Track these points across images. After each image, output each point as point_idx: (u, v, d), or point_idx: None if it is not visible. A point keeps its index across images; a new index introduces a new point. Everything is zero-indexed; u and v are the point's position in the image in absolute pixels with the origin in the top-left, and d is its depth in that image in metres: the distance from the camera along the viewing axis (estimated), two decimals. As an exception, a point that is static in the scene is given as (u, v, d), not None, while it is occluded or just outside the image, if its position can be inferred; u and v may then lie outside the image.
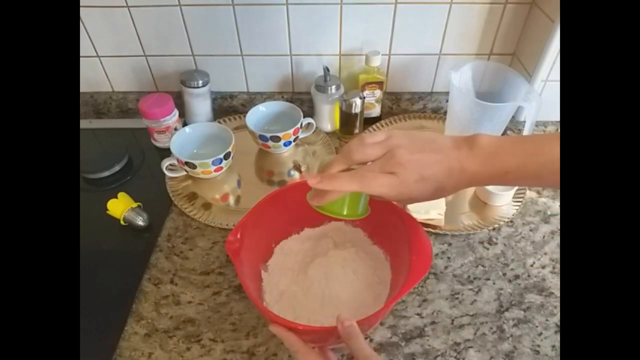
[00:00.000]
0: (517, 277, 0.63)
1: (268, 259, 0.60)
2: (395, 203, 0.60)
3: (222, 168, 0.76)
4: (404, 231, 0.54)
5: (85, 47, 0.85)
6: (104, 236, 0.69)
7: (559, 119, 0.85)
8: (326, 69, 0.81)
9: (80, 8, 0.79)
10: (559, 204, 0.74)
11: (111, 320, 0.58)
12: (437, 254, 0.66)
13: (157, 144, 0.85)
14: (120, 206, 0.69)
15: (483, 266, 0.65)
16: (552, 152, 0.39)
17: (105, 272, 0.64)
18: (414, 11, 0.79)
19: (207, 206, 0.74)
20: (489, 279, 0.63)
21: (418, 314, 0.59)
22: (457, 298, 0.61)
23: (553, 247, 0.67)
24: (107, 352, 0.54)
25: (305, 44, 0.85)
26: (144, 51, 0.87)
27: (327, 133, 0.88)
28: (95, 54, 0.87)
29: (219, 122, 0.88)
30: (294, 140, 0.82)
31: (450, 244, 0.68)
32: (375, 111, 0.89)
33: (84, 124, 0.92)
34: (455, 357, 0.54)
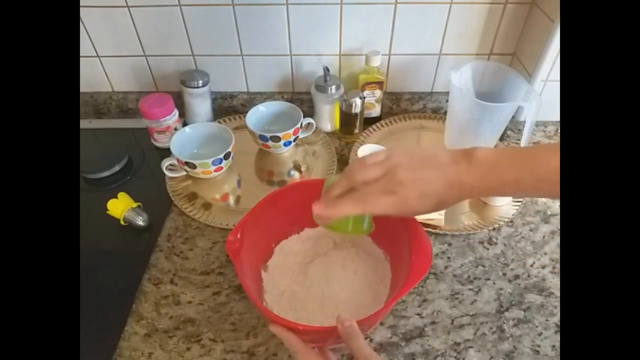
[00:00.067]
0: (517, 277, 0.63)
1: (268, 259, 0.60)
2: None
3: (222, 168, 0.76)
4: (404, 231, 0.54)
5: (85, 47, 0.85)
6: (104, 236, 0.69)
7: (559, 119, 0.85)
8: (326, 69, 0.81)
9: (80, 8, 0.79)
10: (559, 204, 0.74)
11: (111, 320, 0.58)
12: (437, 254, 0.66)
13: (157, 144, 0.85)
14: (120, 206, 0.69)
15: (483, 266, 0.65)
16: (550, 164, 0.40)
17: (105, 272, 0.64)
18: (414, 11, 0.79)
19: (207, 206, 0.74)
20: (489, 279, 0.63)
21: (418, 314, 0.59)
22: (457, 298, 0.61)
23: (553, 247, 0.67)
24: (107, 352, 0.54)
25: (305, 44, 0.85)
26: (144, 51, 0.87)
27: (327, 133, 0.88)
28: (95, 54, 0.87)
29: (219, 122, 0.88)
30: (294, 140, 0.82)
31: (450, 244, 0.68)
32: (375, 111, 0.89)
33: (84, 124, 0.92)
34: (455, 357, 0.54)
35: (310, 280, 0.57)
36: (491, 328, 0.57)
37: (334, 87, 0.83)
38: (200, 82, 0.84)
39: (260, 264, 0.59)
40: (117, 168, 0.80)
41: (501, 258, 0.66)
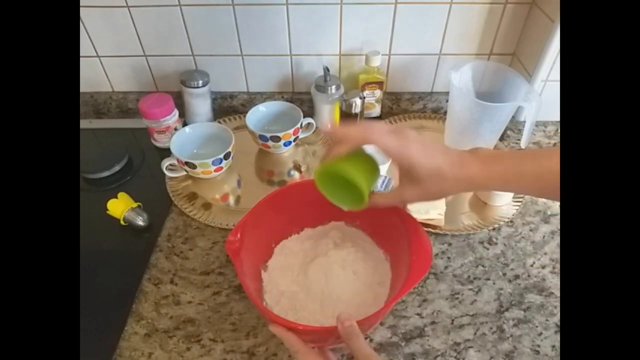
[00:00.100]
0: (517, 277, 0.63)
1: (268, 259, 0.60)
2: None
3: (222, 168, 0.76)
4: (404, 231, 0.54)
5: (85, 47, 0.85)
6: (104, 236, 0.69)
7: (559, 119, 0.85)
8: (326, 69, 0.81)
9: (80, 8, 0.79)
10: (558, 203, 0.74)
11: (111, 320, 0.58)
12: (437, 254, 0.66)
13: (157, 144, 0.85)
14: (120, 206, 0.69)
15: (483, 266, 0.65)
16: (551, 164, 0.41)
17: (105, 272, 0.64)
18: (414, 11, 0.79)
19: (207, 206, 0.74)
20: (489, 279, 0.63)
21: (418, 314, 0.59)
22: (457, 298, 0.61)
23: (553, 247, 0.67)
24: (107, 352, 0.54)
25: (305, 44, 0.85)
26: (144, 51, 0.87)
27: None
28: (95, 54, 0.87)
29: (219, 122, 0.88)
30: (294, 140, 0.82)
31: (450, 244, 0.68)
32: (375, 111, 0.89)
33: (84, 124, 0.92)
34: (455, 357, 0.54)
35: (310, 280, 0.57)
36: (491, 328, 0.57)
37: (334, 87, 0.83)
38: (200, 82, 0.84)
39: (260, 264, 0.59)
40: (117, 168, 0.80)
41: (501, 258, 0.66)
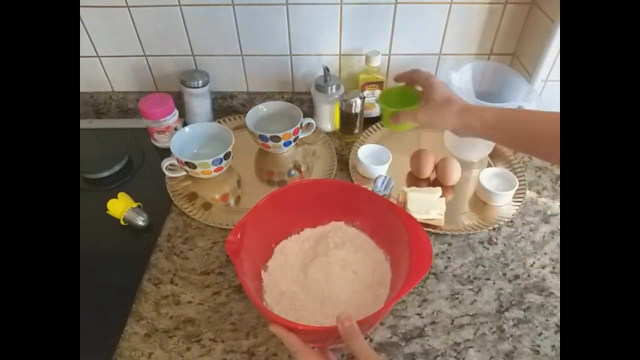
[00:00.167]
0: (517, 277, 0.63)
1: (268, 259, 0.60)
2: (395, 203, 0.61)
3: (222, 168, 0.76)
4: (404, 231, 0.54)
5: (85, 47, 0.85)
6: (104, 236, 0.69)
7: (559, 119, 0.85)
8: (326, 69, 0.81)
9: (80, 8, 0.79)
10: (559, 204, 0.74)
11: (111, 320, 0.58)
12: (437, 254, 0.66)
13: (157, 144, 0.85)
14: (120, 206, 0.69)
15: (483, 266, 0.65)
16: (530, 114, 0.51)
17: (105, 272, 0.64)
18: (414, 11, 0.79)
19: (207, 206, 0.74)
20: (489, 279, 0.63)
21: (418, 314, 0.59)
22: (457, 298, 0.61)
23: (553, 247, 0.67)
24: (107, 352, 0.54)
25: (305, 44, 0.85)
26: (144, 51, 0.87)
27: (327, 133, 0.88)
28: (95, 54, 0.87)
29: (219, 122, 0.88)
30: (294, 140, 0.82)
31: (450, 244, 0.68)
32: (375, 111, 0.89)
33: (84, 124, 0.92)
34: (455, 357, 0.54)
35: (310, 280, 0.57)
36: (491, 328, 0.57)
37: (334, 87, 0.83)
38: (200, 82, 0.84)
39: (260, 264, 0.59)
40: (117, 168, 0.80)
41: (501, 258, 0.66)
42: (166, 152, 0.75)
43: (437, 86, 0.57)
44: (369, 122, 0.88)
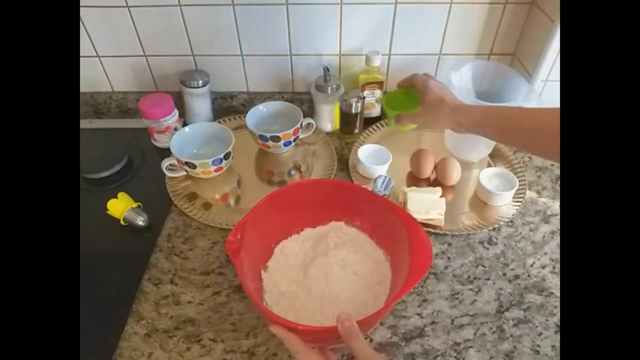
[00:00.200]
0: (517, 277, 0.63)
1: (268, 259, 0.60)
2: (395, 203, 0.61)
3: (222, 168, 0.76)
4: (404, 231, 0.54)
5: (85, 47, 0.85)
6: (104, 236, 0.69)
7: (559, 119, 0.85)
8: (326, 69, 0.81)
9: (80, 8, 0.79)
10: (559, 204, 0.74)
11: (111, 320, 0.58)
12: (437, 254, 0.66)
13: (157, 144, 0.85)
14: (120, 206, 0.69)
15: (483, 266, 0.65)
16: (519, 111, 0.54)
17: (105, 272, 0.64)
18: (414, 11, 0.79)
19: (207, 206, 0.74)
20: (489, 279, 0.63)
21: (418, 314, 0.59)
22: (457, 298, 0.61)
23: (553, 247, 0.67)
24: (107, 352, 0.54)
25: (305, 44, 0.85)
26: (144, 51, 0.87)
27: (327, 133, 0.88)
28: (95, 54, 0.87)
29: (219, 122, 0.88)
30: (294, 140, 0.82)
31: (450, 244, 0.68)
32: (375, 111, 0.89)
33: (84, 124, 0.92)
34: (455, 357, 0.54)
35: (310, 281, 0.57)
36: (491, 328, 0.57)
37: (334, 87, 0.83)
38: (200, 82, 0.84)
39: (260, 264, 0.59)
40: (117, 168, 0.80)
41: (501, 258, 0.66)
42: (166, 152, 0.75)
43: (430, 88, 0.61)
44: (369, 122, 0.88)
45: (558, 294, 0.61)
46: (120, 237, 0.69)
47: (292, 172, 0.81)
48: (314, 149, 0.85)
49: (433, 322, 0.58)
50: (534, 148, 0.54)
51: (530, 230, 0.70)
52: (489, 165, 0.81)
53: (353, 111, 0.81)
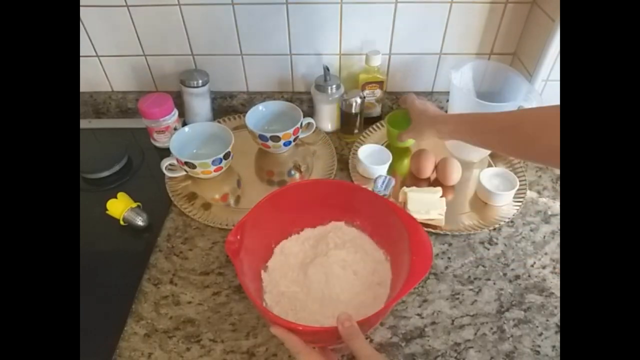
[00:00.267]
0: (517, 277, 0.63)
1: (268, 260, 0.60)
2: (395, 203, 0.60)
3: (221, 168, 0.76)
4: (404, 231, 0.54)
5: (85, 47, 0.85)
6: (104, 236, 0.69)
7: (559, 119, 0.85)
8: (326, 69, 0.81)
9: (80, 8, 0.79)
10: (559, 204, 0.73)
11: (111, 320, 0.58)
12: (437, 254, 0.66)
13: (157, 144, 0.85)
14: (120, 206, 0.69)
15: (483, 266, 0.65)
16: (494, 115, 0.57)
17: (105, 272, 0.64)
18: (414, 11, 0.79)
19: (206, 206, 0.74)
20: (489, 279, 0.63)
21: (418, 314, 0.59)
22: (458, 298, 0.60)
23: (553, 247, 0.67)
24: (107, 352, 0.54)
25: (305, 43, 0.84)
26: (143, 51, 0.86)
27: (327, 133, 0.88)
28: (95, 54, 0.87)
29: (219, 122, 0.87)
30: (294, 140, 0.82)
31: (450, 244, 0.68)
32: (376, 111, 0.89)
33: (83, 124, 0.92)
34: (456, 357, 0.54)
35: (310, 281, 0.57)
36: (491, 328, 0.57)
37: (334, 87, 0.83)
38: (200, 81, 0.84)
39: (260, 264, 0.59)
40: (116, 168, 0.80)
41: (501, 258, 0.66)
42: (166, 152, 0.75)
43: (412, 107, 0.71)
44: (369, 122, 0.88)
45: (558, 294, 0.61)
46: (120, 237, 0.69)
47: (292, 172, 0.81)
48: (314, 149, 0.85)
49: (433, 323, 0.58)
50: (500, 148, 0.58)
51: (531, 230, 0.70)
52: (490, 165, 0.81)
53: (353, 111, 0.81)
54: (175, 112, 0.83)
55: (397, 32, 0.82)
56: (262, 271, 0.59)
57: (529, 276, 0.63)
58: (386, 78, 0.88)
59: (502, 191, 0.72)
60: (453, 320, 0.58)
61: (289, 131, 0.78)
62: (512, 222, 0.71)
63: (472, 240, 0.68)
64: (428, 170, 0.76)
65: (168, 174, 0.77)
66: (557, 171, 0.79)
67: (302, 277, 0.57)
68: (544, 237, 0.68)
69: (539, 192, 0.76)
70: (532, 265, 0.64)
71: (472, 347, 0.55)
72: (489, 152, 0.81)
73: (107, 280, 0.63)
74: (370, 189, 0.64)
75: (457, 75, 0.74)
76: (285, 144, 0.80)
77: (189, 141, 0.79)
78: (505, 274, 0.63)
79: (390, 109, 0.94)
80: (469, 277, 0.63)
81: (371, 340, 0.56)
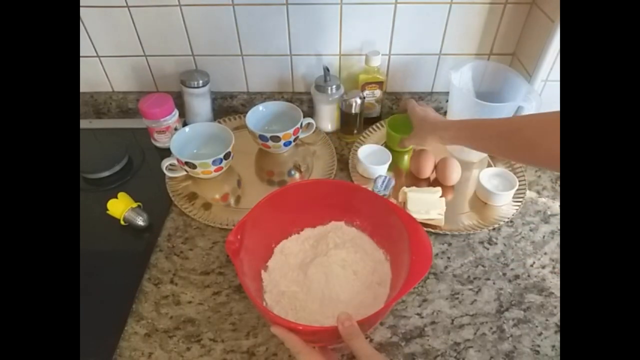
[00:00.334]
0: (517, 277, 0.63)
1: (268, 259, 0.60)
2: (395, 203, 0.61)
3: (222, 168, 0.76)
4: (404, 231, 0.54)
5: (85, 47, 0.85)
6: (104, 236, 0.69)
7: (559, 119, 0.85)
8: (326, 69, 0.81)
9: (80, 8, 0.79)
10: (559, 204, 0.74)
11: (111, 320, 0.58)
12: (437, 254, 0.66)
13: (157, 144, 0.85)
14: (120, 206, 0.69)
15: (483, 266, 0.65)
16: (492, 121, 0.58)
17: (105, 272, 0.64)
18: (414, 11, 0.79)
19: (207, 206, 0.74)
20: (489, 279, 0.63)
21: (418, 314, 0.59)
22: (457, 298, 0.61)
23: (553, 247, 0.67)
24: (107, 352, 0.55)
25: (305, 44, 0.85)
26: (144, 51, 0.87)
27: (327, 133, 0.88)
28: (95, 54, 0.87)
29: (219, 122, 0.88)
30: (294, 140, 0.82)
31: (450, 244, 0.68)
32: (375, 111, 0.89)
33: (84, 124, 0.92)
34: (455, 357, 0.54)
35: (310, 281, 0.57)
36: (491, 328, 0.57)
37: (334, 87, 0.83)
38: (200, 82, 0.84)
39: (260, 264, 0.59)
40: (117, 168, 0.80)
41: (501, 258, 0.66)
42: (166, 152, 0.75)
43: (413, 114, 0.72)
44: (369, 122, 0.88)
45: (558, 294, 0.61)
46: (120, 237, 0.69)
47: (292, 172, 0.81)
48: (314, 149, 0.85)
49: (433, 322, 0.58)
50: (500, 153, 0.59)
51: (530, 230, 0.70)
52: (489, 165, 0.81)
53: (353, 111, 0.82)
54: (176, 113, 0.84)
55: (397, 32, 0.82)
56: (262, 271, 0.59)
57: (529, 276, 0.63)
58: (386, 78, 0.88)
59: (502, 191, 0.72)
60: (453, 320, 0.58)
61: (289, 131, 0.78)
62: (511, 222, 0.71)
63: (472, 240, 0.68)
64: (428, 170, 0.76)
65: (168, 174, 0.77)
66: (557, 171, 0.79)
67: (302, 277, 0.58)
68: (544, 237, 0.69)
69: (538, 192, 0.76)
70: (531, 265, 0.65)
71: (471, 347, 0.55)
72: (488, 152, 0.82)
73: (108, 280, 0.63)
74: (370, 189, 0.64)
75: (457, 75, 0.75)
76: (285, 144, 0.80)
77: (189, 141, 0.79)
78: (504, 274, 0.64)
79: (390, 109, 0.94)
80: (469, 276, 0.63)
81: (371, 340, 0.56)
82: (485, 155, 0.82)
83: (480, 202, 0.74)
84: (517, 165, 0.80)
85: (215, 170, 0.75)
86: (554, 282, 0.62)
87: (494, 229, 0.70)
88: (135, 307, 0.60)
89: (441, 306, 0.60)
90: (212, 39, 0.84)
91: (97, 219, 0.69)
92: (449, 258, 0.66)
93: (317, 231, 0.64)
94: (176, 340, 0.56)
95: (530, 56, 0.80)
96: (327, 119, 0.87)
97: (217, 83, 0.90)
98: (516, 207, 0.72)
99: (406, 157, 0.82)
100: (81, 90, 0.92)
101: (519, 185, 0.73)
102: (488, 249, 0.67)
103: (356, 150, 0.80)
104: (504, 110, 0.71)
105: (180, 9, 0.80)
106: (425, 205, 0.69)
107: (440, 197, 0.71)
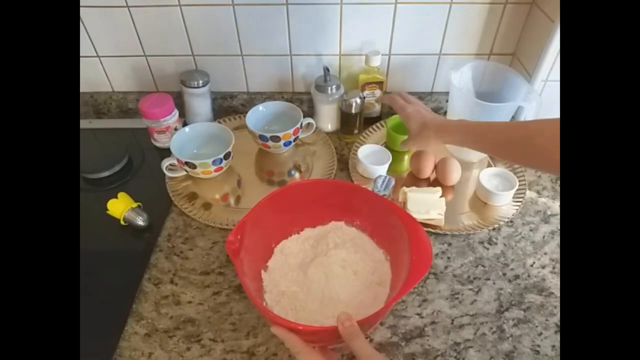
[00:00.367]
0: (517, 277, 0.63)
1: (268, 259, 0.60)
2: (395, 203, 0.61)
3: (222, 168, 0.76)
4: (404, 231, 0.54)
5: (85, 47, 0.85)
6: (104, 236, 0.69)
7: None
8: (326, 69, 0.81)
9: (80, 8, 0.79)
10: (559, 204, 0.74)
11: (111, 320, 0.58)
12: (437, 254, 0.66)
13: (157, 144, 0.85)
14: (120, 206, 0.69)
15: (483, 266, 0.65)
16: (495, 124, 0.58)
17: (105, 272, 0.64)
18: (414, 11, 0.79)
19: (207, 206, 0.74)
20: (489, 279, 0.63)
21: (418, 314, 0.59)
22: (457, 298, 0.61)
23: (553, 247, 0.67)
24: (107, 352, 0.55)
25: (305, 44, 0.85)
26: (144, 51, 0.87)
27: (327, 133, 0.88)
28: (95, 54, 0.87)
29: (219, 122, 0.88)
30: (294, 140, 0.82)
31: (450, 244, 0.68)
32: (375, 111, 0.89)
33: (84, 124, 0.92)
34: (455, 357, 0.54)
35: (310, 280, 0.57)
36: (491, 328, 0.57)
37: (334, 87, 0.83)
38: (200, 82, 0.84)
39: (260, 264, 0.59)
40: (117, 168, 0.80)
41: (501, 258, 0.66)
42: (166, 152, 0.75)
43: (410, 117, 0.67)
44: (369, 122, 0.88)
45: (558, 294, 0.61)
46: (120, 237, 0.69)
47: (292, 172, 0.81)
48: (314, 149, 0.85)
49: (433, 322, 0.58)
50: (504, 157, 0.60)
51: (530, 230, 0.70)
52: (489, 165, 0.81)
53: (353, 111, 0.82)
54: (176, 113, 0.84)
55: (396, 32, 0.82)
56: (262, 271, 0.59)
57: (529, 276, 0.63)
58: (386, 78, 0.88)
59: (502, 191, 0.72)
60: (453, 320, 0.58)
61: (289, 131, 0.78)
62: (511, 222, 0.71)
63: (472, 240, 0.68)
64: (428, 170, 0.76)
65: (168, 174, 0.77)
66: (557, 171, 0.79)
67: (302, 277, 0.58)
68: (544, 236, 0.69)
69: (538, 192, 0.76)
70: (531, 265, 0.65)
71: (471, 347, 0.55)
72: (488, 152, 0.82)
73: (108, 280, 0.63)
74: (370, 189, 0.64)
75: (457, 75, 0.75)
76: (285, 144, 0.80)
77: (189, 141, 0.79)
78: (504, 274, 0.64)
79: (390, 109, 0.93)
80: (469, 276, 0.63)
81: (371, 340, 0.56)
82: (485, 155, 0.82)
83: (480, 202, 0.74)
84: (517, 165, 0.80)
85: (215, 170, 0.75)
86: (554, 282, 0.62)
87: (494, 229, 0.70)
88: (135, 307, 0.60)
89: (441, 306, 0.60)
90: (212, 39, 0.84)
91: (97, 219, 0.69)
92: (449, 258, 0.66)
93: (317, 231, 0.64)
94: (176, 340, 0.56)
95: (530, 56, 0.80)
96: (327, 119, 0.87)
97: (217, 83, 0.90)
98: (516, 207, 0.72)
99: (406, 157, 0.82)
100: (81, 90, 0.92)
101: (519, 185, 0.73)
102: (488, 249, 0.67)
103: (356, 150, 0.80)
104: (504, 110, 0.71)
105: (180, 9, 0.80)
106: (425, 205, 0.69)
107: (440, 197, 0.71)
